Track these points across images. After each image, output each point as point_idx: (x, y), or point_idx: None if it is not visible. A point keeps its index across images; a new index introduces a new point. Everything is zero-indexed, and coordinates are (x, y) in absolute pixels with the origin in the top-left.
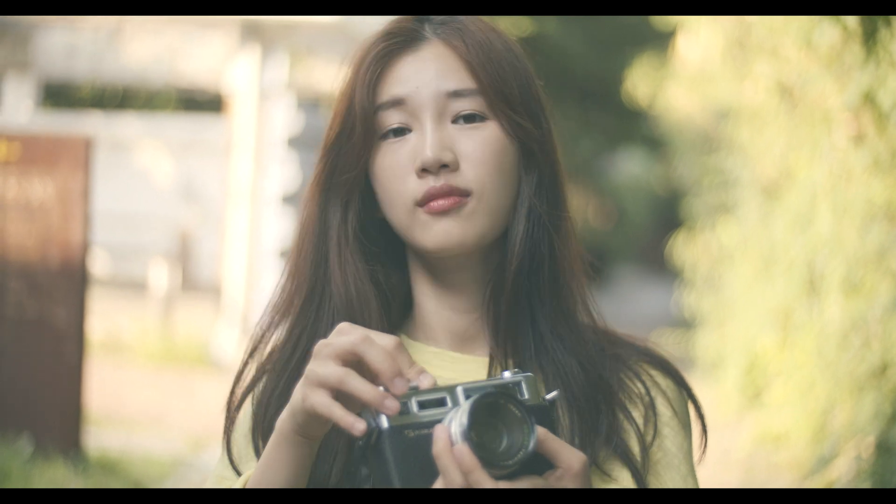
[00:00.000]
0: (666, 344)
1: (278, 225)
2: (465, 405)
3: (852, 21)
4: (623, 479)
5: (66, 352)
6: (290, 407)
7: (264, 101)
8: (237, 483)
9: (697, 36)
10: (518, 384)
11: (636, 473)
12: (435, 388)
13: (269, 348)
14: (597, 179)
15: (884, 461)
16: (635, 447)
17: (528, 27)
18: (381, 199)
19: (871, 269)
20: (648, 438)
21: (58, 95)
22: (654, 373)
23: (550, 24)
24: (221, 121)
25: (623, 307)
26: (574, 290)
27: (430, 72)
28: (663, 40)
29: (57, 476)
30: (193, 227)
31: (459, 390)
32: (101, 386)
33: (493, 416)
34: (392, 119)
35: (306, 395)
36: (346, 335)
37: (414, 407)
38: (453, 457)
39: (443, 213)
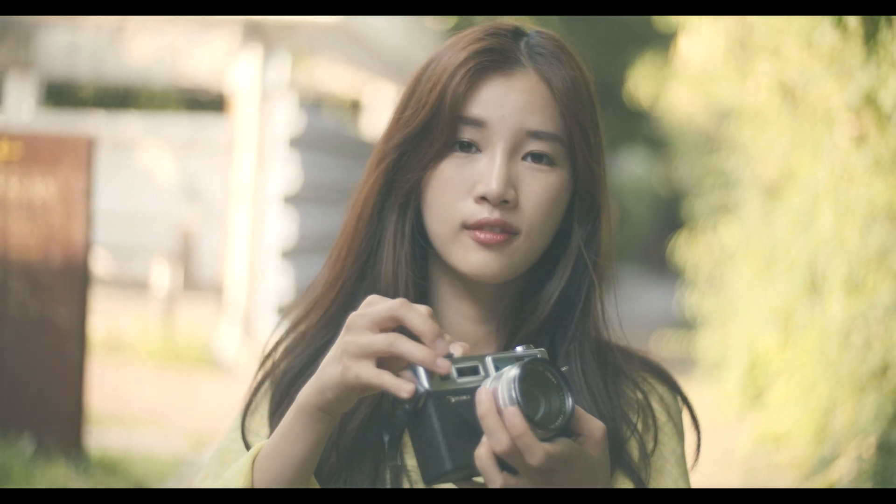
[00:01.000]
0: (667, 344)
1: (280, 225)
2: (510, 372)
3: (853, 21)
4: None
5: (68, 351)
6: (317, 382)
7: (266, 100)
8: (248, 454)
9: (699, 36)
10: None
11: (639, 484)
12: (468, 357)
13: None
14: None
15: (885, 461)
16: (636, 455)
17: (531, 23)
18: (430, 205)
19: (873, 269)
20: (649, 447)
21: (60, 95)
22: (651, 381)
23: (553, 23)
24: (223, 120)
25: (625, 307)
26: (600, 321)
27: (517, 103)
28: (665, 40)
29: (58, 476)
30: (195, 226)
31: (489, 360)
32: (103, 385)
33: (535, 384)
34: (466, 134)
35: (348, 367)
36: (381, 304)
37: (454, 373)
38: (500, 419)
39: (487, 245)
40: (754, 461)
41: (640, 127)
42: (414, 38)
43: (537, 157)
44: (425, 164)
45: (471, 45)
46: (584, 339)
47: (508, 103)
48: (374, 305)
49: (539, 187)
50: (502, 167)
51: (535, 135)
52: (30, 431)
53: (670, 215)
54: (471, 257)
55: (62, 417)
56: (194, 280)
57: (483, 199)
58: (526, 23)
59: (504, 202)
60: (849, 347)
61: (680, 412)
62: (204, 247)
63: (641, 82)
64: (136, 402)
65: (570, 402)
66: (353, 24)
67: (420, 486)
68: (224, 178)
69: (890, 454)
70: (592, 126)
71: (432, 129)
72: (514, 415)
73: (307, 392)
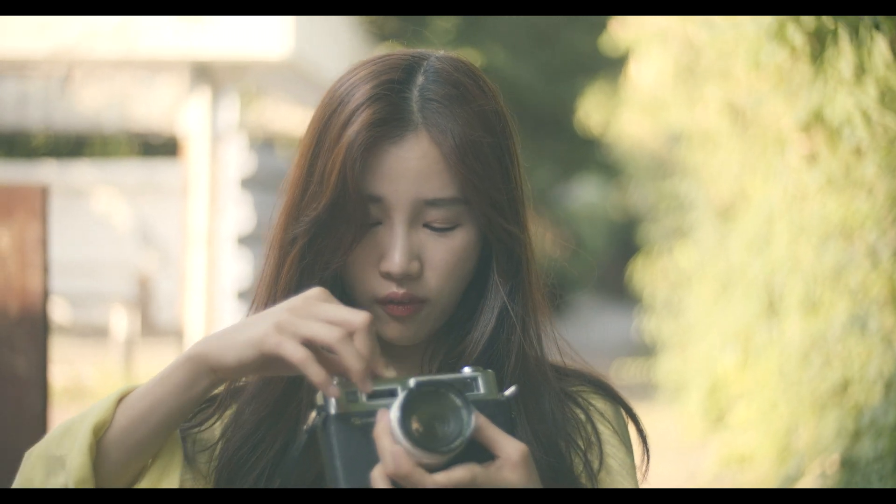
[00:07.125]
0: (628, 370)
1: (235, 266)
2: (402, 394)
3: (800, 39)
4: None
5: (29, 401)
6: (221, 340)
7: (217, 142)
8: (116, 391)
9: (648, 61)
10: (475, 379)
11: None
12: (390, 380)
13: None
14: (553, 208)
15: (849, 477)
16: (583, 475)
17: (478, 60)
18: (344, 276)
19: (829, 288)
20: (595, 464)
21: (10, 145)
22: (591, 397)
23: (499, 56)
24: (176, 164)
25: (583, 335)
26: (535, 353)
27: (410, 174)
28: (614, 67)
29: None
30: (152, 271)
31: (412, 382)
32: None
33: (431, 405)
34: (371, 211)
35: (270, 334)
36: (348, 311)
37: (363, 396)
38: (391, 443)
39: (399, 317)
40: (720, 483)
41: (592, 154)
42: None
43: (441, 226)
44: (346, 249)
45: (363, 106)
46: (522, 375)
47: (402, 175)
48: (325, 301)
49: (443, 252)
50: (403, 240)
51: (433, 203)
52: None
53: (626, 241)
54: (385, 329)
55: None
56: (153, 325)
57: (388, 274)
58: (474, 56)
59: (408, 275)
60: (808, 366)
61: (625, 423)
62: (161, 291)
63: (592, 110)
64: None
65: (470, 422)
66: (300, 62)
67: None
68: (179, 222)
69: (853, 470)
70: (501, 173)
71: (342, 210)
72: (398, 455)
73: (204, 345)
